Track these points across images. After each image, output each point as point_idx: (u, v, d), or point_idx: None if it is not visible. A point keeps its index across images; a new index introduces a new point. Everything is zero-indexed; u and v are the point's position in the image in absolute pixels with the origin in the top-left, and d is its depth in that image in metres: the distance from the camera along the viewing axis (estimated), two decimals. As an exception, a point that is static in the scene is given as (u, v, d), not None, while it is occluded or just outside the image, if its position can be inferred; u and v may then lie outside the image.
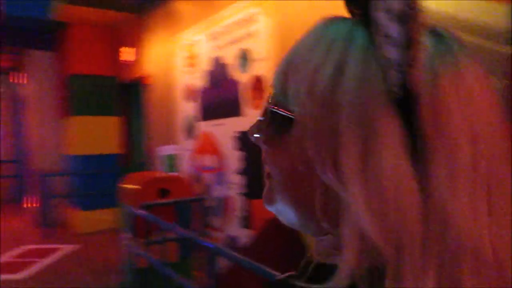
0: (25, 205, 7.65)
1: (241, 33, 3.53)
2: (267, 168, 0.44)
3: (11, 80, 8.76)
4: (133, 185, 3.89)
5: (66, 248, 5.21)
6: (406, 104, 0.33)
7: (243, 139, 3.53)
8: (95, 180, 5.91)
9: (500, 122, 0.35)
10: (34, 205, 6.72)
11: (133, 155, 6.31)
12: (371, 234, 0.32)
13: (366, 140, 0.33)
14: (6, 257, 4.94)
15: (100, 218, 5.78)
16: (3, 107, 9.38)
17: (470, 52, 0.36)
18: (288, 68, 0.40)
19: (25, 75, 7.36)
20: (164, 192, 3.89)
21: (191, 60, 4.39)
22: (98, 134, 6.08)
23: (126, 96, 6.33)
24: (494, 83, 0.38)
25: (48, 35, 6.46)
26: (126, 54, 5.90)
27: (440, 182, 0.33)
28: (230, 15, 3.69)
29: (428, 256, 0.32)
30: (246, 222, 3.55)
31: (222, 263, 2.67)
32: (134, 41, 5.72)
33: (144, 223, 3.14)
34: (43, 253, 5.03)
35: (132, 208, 3.23)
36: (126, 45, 5.95)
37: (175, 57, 4.73)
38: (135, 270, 3.25)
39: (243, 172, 3.57)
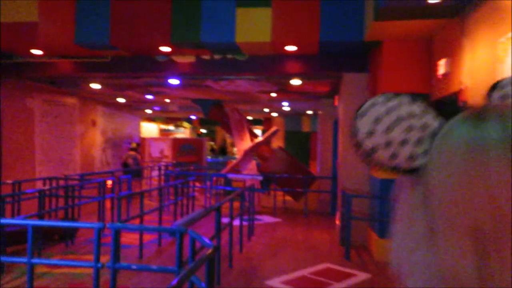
0: (336, 222, 8.01)
1: None
2: None
3: (335, 104, 9.50)
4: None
5: (360, 276, 4.95)
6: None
7: None
8: (399, 206, 5.41)
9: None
10: (340, 223, 6.87)
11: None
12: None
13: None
14: (306, 271, 5.14)
15: (399, 250, 5.24)
16: (325, 129, 10.32)
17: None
18: None
19: (338, 97, 7.74)
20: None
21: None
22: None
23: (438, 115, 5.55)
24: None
25: (361, 56, 6.53)
26: (440, 66, 5.16)
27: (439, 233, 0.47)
28: None
29: None
30: None
31: None
32: (450, 51, 4.92)
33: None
34: (338, 276, 4.95)
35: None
36: (440, 57, 5.21)
37: (501, 65, 3.67)
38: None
39: None
